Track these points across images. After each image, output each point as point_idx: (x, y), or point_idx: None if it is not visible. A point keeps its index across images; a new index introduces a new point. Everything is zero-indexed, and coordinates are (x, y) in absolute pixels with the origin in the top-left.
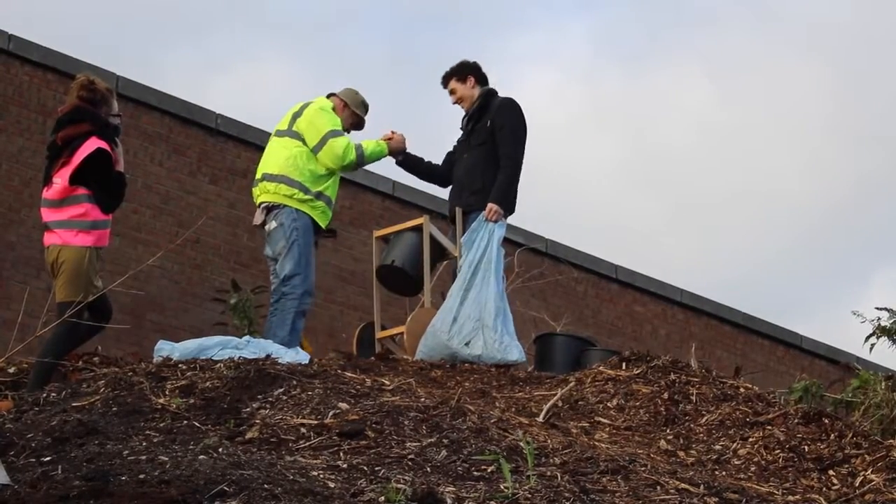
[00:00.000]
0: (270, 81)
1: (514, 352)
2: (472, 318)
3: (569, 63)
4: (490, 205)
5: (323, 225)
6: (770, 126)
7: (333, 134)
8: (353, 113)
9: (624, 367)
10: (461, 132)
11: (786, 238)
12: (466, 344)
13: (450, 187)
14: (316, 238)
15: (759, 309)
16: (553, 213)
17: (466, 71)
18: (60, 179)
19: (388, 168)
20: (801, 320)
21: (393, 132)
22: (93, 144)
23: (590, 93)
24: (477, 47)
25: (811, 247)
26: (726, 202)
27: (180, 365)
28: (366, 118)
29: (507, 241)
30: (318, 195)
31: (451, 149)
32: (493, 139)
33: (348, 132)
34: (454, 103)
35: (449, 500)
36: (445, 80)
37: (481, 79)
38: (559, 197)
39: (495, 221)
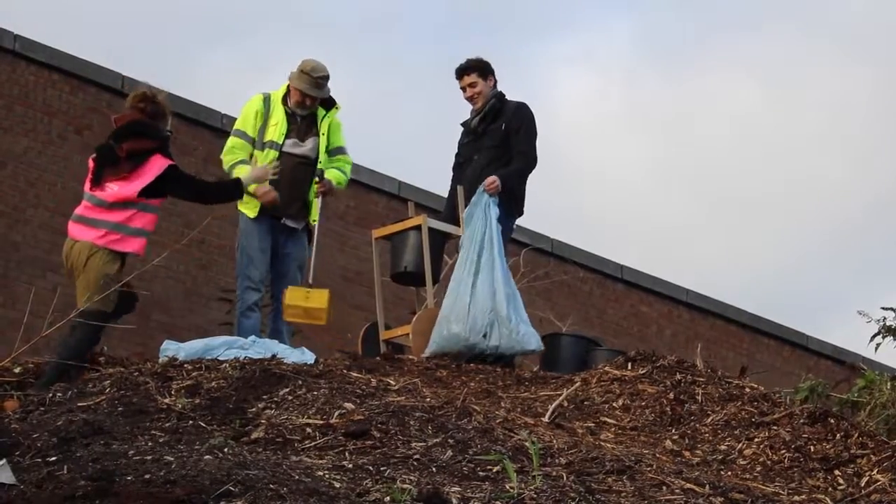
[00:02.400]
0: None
1: (532, 341)
2: (486, 309)
3: (609, 65)
4: (493, 177)
5: (253, 215)
6: (812, 127)
7: (233, 132)
8: (293, 90)
9: (629, 367)
10: (466, 132)
11: (822, 238)
12: (484, 336)
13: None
14: (284, 220)
15: (799, 308)
16: (588, 214)
17: (490, 70)
18: (117, 187)
19: (393, 168)
20: (836, 324)
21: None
22: (162, 163)
23: (629, 95)
24: (517, 50)
25: (847, 246)
26: (763, 202)
27: (186, 365)
28: (305, 89)
29: (512, 241)
30: None
31: (456, 158)
32: (507, 142)
33: (302, 108)
34: (468, 97)
35: (454, 500)
36: (466, 73)
37: (496, 81)
38: (594, 197)
39: (491, 195)
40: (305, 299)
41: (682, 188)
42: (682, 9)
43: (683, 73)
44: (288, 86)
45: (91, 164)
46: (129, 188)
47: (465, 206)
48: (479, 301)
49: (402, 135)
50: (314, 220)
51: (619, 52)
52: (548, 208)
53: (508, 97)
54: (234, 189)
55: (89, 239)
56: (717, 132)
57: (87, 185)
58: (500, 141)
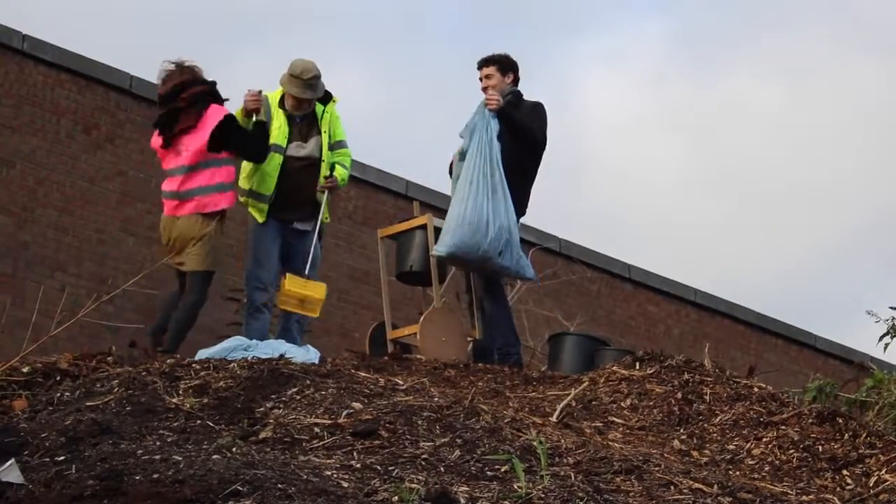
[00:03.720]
0: (338, 84)
1: (529, 270)
2: (504, 228)
3: (639, 65)
4: (492, 91)
5: (262, 220)
6: (840, 128)
7: None
8: (288, 95)
9: (637, 366)
10: None
11: (843, 236)
12: (500, 254)
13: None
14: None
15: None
16: (615, 213)
17: (510, 66)
18: (190, 142)
19: (401, 167)
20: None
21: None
22: (219, 112)
23: (659, 94)
24: (546, 50)
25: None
26: (788, 203)
27: (194, 365)
28: (297, 94)
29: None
30: (249, 193)
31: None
32: (521, 144)
33: (300, 111)
34: (484, 89)
35: (462, 500)
36: (486, 64)
37: (517, 80)
38: (623, 197)
39: (493, 109)
40: (303, 287)
41: (707, 189)
42: (715, 9)
43: (714, 74)
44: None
45: (157, 139)
46: (199, 139)
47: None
48: (500, 216)
49: (421, 137)
50: (327, 218)
51: (650, 53)
52: (572, 209)
53: (534, 97)
54: (263, 135)
55: (186, 212)
56: (746, 133)
57: (165, 161)
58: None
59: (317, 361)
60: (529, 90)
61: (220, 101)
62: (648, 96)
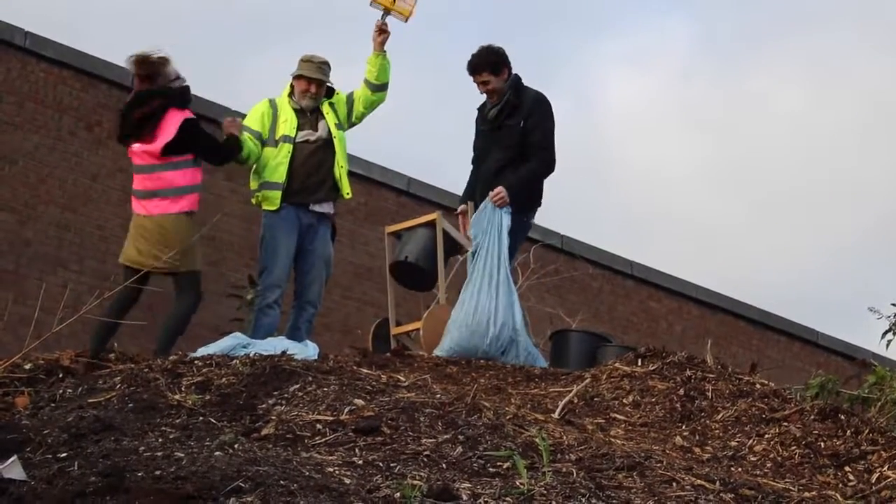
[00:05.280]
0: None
1: (541, 360)
2: (508, 325)
3: (663, 64)
4: (499, 188)
5: (275, 207)
6: (862, 128)
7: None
8: (298, 81)
9: (639, 363)
10: (482, 118)
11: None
12: (503, 353)
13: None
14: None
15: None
16: (636, 212)
17: (501, 62)
18: (146, 147)
19: (403, 164)
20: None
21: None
22: (178, 117)
23: (681, 94)
24: (571, 48)
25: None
26: (809, 202)
27: (196, 361)
28: (309, 73)
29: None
30: (260, 186)
31: (474, 152)
32: (525, 139)
33: (310, 99)
34: (483, 93)
35: (464, 497)
36: (477, 71)
37: (510, 70)
38: (644, 196)
39: (500, 206)
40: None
41: (728, 187)
42: (738, 9)
43: (737, 73)
44: (291, 85)
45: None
46: (153, 146)
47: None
48: (501, 314)
49: (444, 136)
50: (348, 194)
51: (673, 52)
52: (595, 207)
53: (557, 96)
54: (235, 145)
55: (145, 212)
56: (768, 132)
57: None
58: (516, 141)
59: (316, 357)
60: (553, 89)
61: (184, 103)
62: (671, 94)
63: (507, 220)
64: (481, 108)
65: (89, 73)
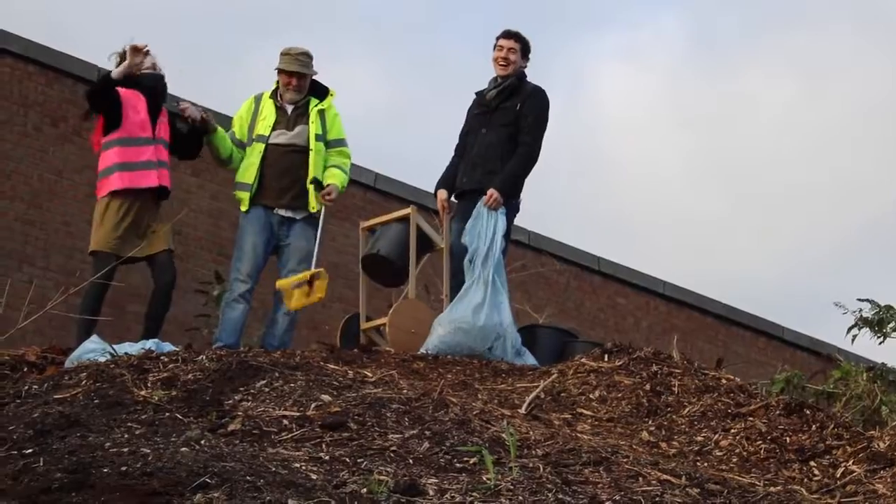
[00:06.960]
0: (356, 81)
1: (529, 359)
2: (496, 322)
3: (654, 61)
4: (491, 190)
5: (244, 208)
6: (854, 127)
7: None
8: (280, 76)
9: (606, 358)
10: (479, 101)
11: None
12: (490, 349)
13: (454, 161)
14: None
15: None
16: (629, 210)
17: (529, 51)
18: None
19: (370, 160)
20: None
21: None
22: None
23: (672, 91)
24: (563, 44)
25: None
26: (798, 198)
27: (162, 357)
28: (286, 66)
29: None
30: (235, 186)
31: (463, 127)
32: (518, 123)
33: (294, 92)
34: (501, 57)
35: (431, 492)
36: (514, 37)
37: (527, 63)
38: (635, 193)
39: (494, 209)
40: (307, 296)
41: (716, 184)
42: (730, 4)
43: (729, 70)
44: (278, 81)
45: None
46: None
47: (453, 215)
48: (493, 315)
49: (413, 133)
50: (313, 208)
51: (665, 48)
52: (592, 210)
53: (550, 92)
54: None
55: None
56: (758, 129)
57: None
58: (511, 120)
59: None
60: (546, 85)
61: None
62: (662, 92)
63: (502, 223)
64: (480, 93)
65: (55, 69)
